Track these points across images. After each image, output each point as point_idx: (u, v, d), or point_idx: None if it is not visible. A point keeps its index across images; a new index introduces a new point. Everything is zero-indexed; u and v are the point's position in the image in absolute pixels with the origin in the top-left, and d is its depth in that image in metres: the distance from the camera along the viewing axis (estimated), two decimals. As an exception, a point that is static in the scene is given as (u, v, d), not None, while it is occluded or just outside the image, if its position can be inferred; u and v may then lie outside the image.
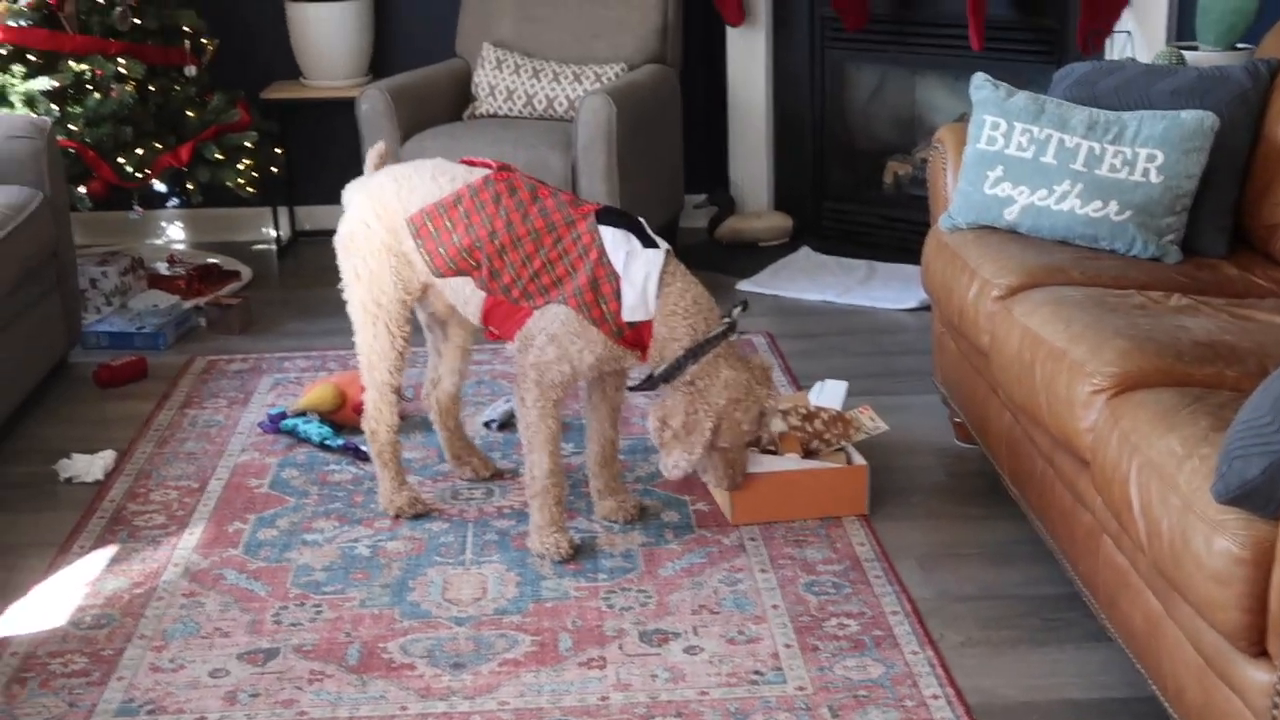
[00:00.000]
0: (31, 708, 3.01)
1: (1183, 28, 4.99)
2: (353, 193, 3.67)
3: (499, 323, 3.51)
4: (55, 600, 3.44)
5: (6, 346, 4.28)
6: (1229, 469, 2.32)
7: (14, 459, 4.24)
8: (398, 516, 3.77)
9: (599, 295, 3.36)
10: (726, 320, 3.44)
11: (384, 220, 3.55)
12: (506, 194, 3.47)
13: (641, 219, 3.50)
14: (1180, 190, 3.64)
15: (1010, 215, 3.77)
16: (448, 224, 3.48)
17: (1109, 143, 3.67)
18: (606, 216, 3.44)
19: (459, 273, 3.50)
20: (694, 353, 3.38)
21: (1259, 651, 2.34)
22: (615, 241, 3.38)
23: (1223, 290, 3.49)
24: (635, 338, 3.40)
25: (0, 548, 3.68)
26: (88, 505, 3.91)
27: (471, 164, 3.60)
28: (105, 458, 4.13)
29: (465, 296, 3.54)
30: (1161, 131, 3.63)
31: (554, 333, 3.40)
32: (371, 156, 3.77)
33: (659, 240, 3.44)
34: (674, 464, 3.41)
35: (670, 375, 3.41)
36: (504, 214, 3.44)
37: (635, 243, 3.39)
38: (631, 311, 3.37)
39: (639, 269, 3.36)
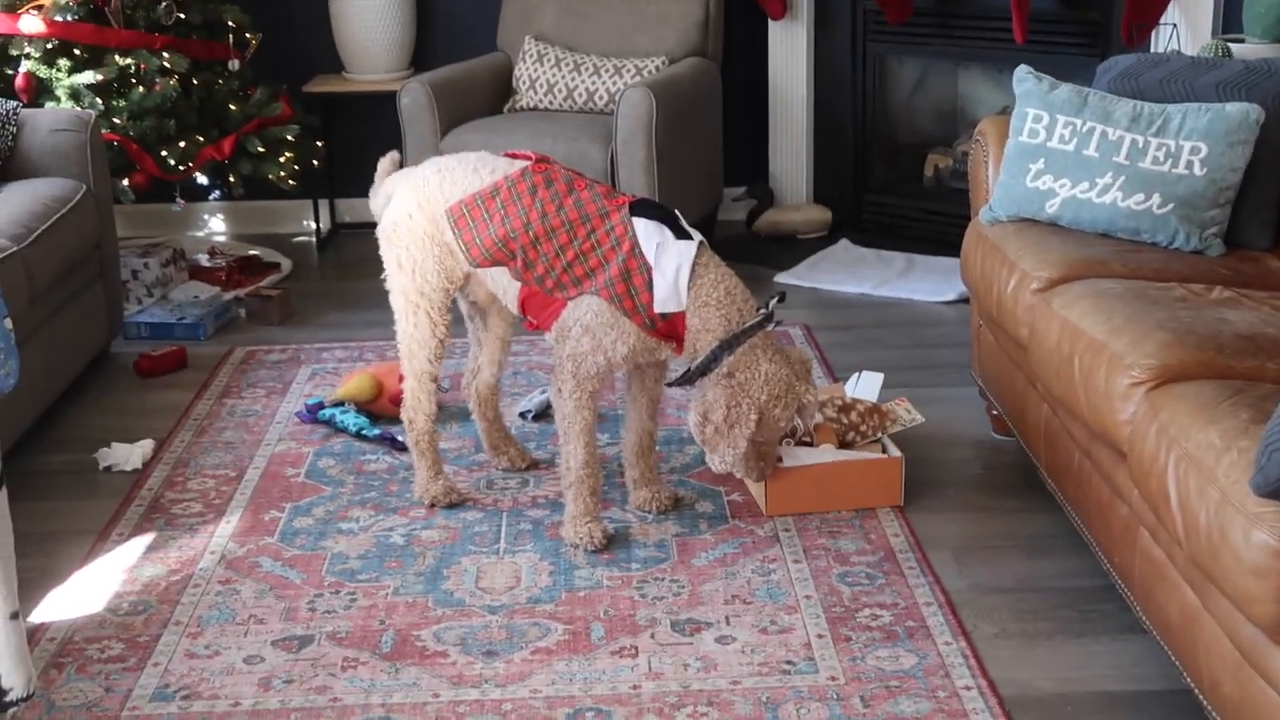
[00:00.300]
0: (68, 692, 3.03)
1: (1229, 20, 4.95)
2: (396, 183, 3.68)
3: (535, 312, 3.52)
4: (93, 586, 3.46)
5: (50, 337, 4.32)
6: (1268, 461, 2.29)
7: (55, 447, 4.28)
8: (433, 505, 3.78)
9: (631, 286, 3.36)
10: (763, 312, 3.42)
11: (426, 211, 3.57)
12: (543, 186, 3.48)
13: (676, 211, 3.49)
14: (1224, 183, 3.61)
15: (1051, 208, 3.75)
16: (485, 215, 3.49)
17: (1152, 135, 3.64)
18: (640, 208, 3.44)
19: (495, 263, 3.51)
20: (728, 345, 3.37)
21: (1296, 644, 2.31)
22: (648, 233, 3.38)
23: (1265, 283, 3.46)
24: (669, 329, 3.40)
25: (40, 535, 3.71)
26: (126, 493, 3.94)
27: (514, 157, 3.61)
28: (144, 447, 4.16)
29: (504, 286, 3.56)
30: (1206, 124, 3.60)
31: (588, 324, 3.40)
32: (383, 165, 3.80)
33: (693, 232, 3.43)
34: (720, 459, 3.40)
35: (706, 368, 3.40)
36: (539, 205, 3.45)
37: (668, 234, 3.38)
38: (664, 303, 3.37)
39: (671, 260, 3.36)
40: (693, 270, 3.37)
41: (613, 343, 3.41)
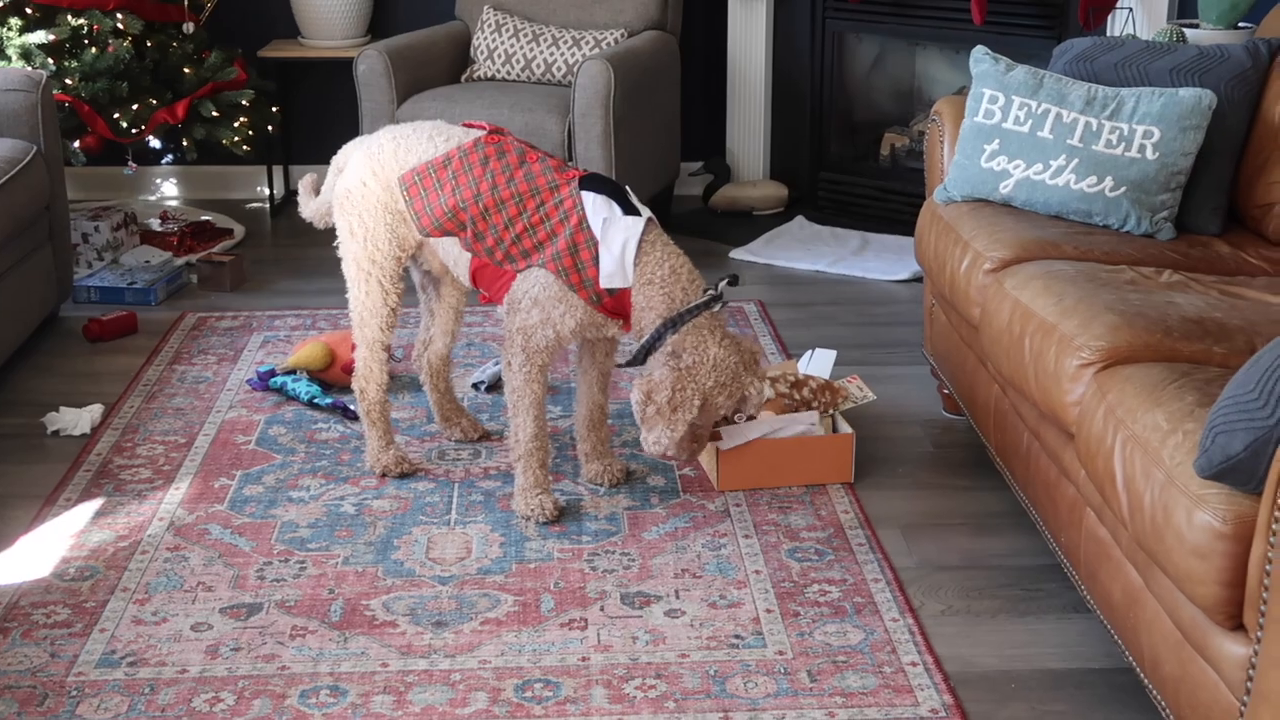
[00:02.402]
0: (13, 657, 3.02)
1: (1185, 5, 4.99)
2: (350, 150, 3.68)
3: (487, 285, 3.52)
4: (40, 551, 3.45)
5: (-3, 298, 4.29)
6: (1213, 444, 2.33)
7: (3, 411, 4.25)
8: (384, 475, 3.78)
9: (578, 261, 3.37)
10: (709, 292, 3.39)
11: (380, 178, 3.57)
12: (495, 157, 3.48)
13: (626, 187, 3.49)
14: (1176, 168, 3.64)
15: (1005, 189, 3.77)
16: (436, 184, 3.49)
17: (1106, 118, 3.67)
18: (589, 182, 3.43)
19: (445, 233, 3.51)
20: (672, 323, 3.34)
21: (1236, 625, 2.35)
22: (596, 207, 3.38)
23: (1214, 268, 3.50)
24: (616, 305, 3.40)
25: (-14, 498, 3.69)
26: (74, 458, 3.92)
27: (470, 127, 3.61)
28: (93, 412, 4.14)
29: (455, 257, 3.55)
30: (1159, 109, 3.63)
31: (536, 296, 3.41)
32: (303, 186, 3.87)
33: (642, 208, 3.42)
34: (655, 440, 3.36)
35: (651, 347, 3.38)
36: (490, 177, 3.45)
37: (616, 209, 3.38)
38: (609, 278, 3.36)
39: (617, 236, 3.35)
40: (639, 247, 3.36)
41: (560, 316, 3.41)
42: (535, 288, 3.42)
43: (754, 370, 3.41)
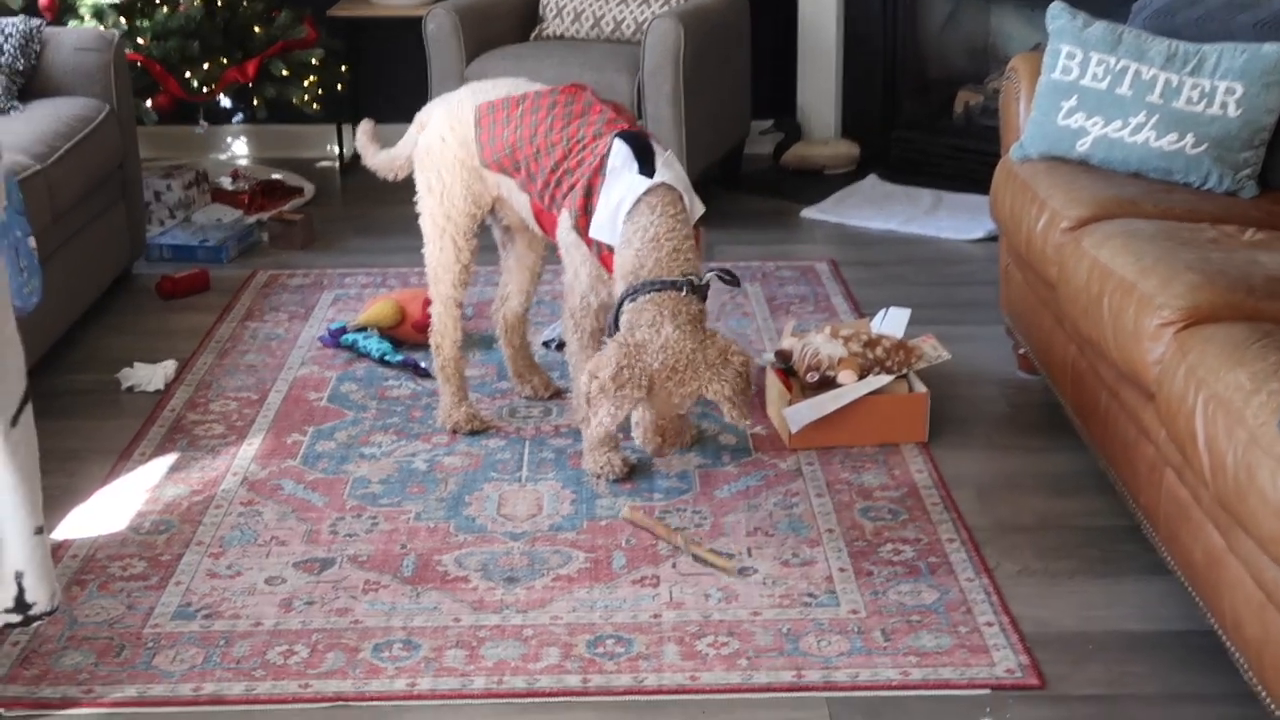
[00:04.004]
0: (91, 609, 3.06)
1: (1268, -41, 4.89)
2: (433, 107, 3.72)
3: (547, 229, 3.54)
4: (115, 505, 3.49)
5: (72, 257, 4.33)
6: (1297, 401, 2.30)
7: (78, 368, 4.30)
8: (455, 432, 3.80)
9: (588, 204, 3.34)
10: (690, 277, 3.21)
11: (458, 133, 3.59)
12: (562, 104, 3.49)
13: (657, 147, 3.35)
14: (1259, 124, 3.58)
15: (1083, 147, 3.73)
16: (505, 118, 3.51)
17: (1187, 75, 3.62)
18: (625, 134, 3.36)
19: (502, 170, 3.53)
20: (630, 293, 3.20)
21: (1321, 586, 2.32)
22: (615, 156, 3.32)
23: (1298, 225, 3.44)
24: (608, 262, 3.35)
25: (63, 453, 3.73)
26: (149, 414, 3.96)
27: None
28: (167, 368, 4.18)
29: (519, 201, 3.56)
30: (1242, 64, 3.57)
31: (567, 243, 3.42)
32: (362, 133, 3.89)
33: (662, 171, 3.29)
34: (598, 421, 3.20)
35: (615, 318, 3.26)
36: (550, 120, 3.45)
37: (631, 164, 3.29)
38: (597, 229, 3.32)
39: (618, 190, 3.29)
40: (635, 206, 3.26)
41: (578, 269, 3.41)
42: (563, 231, 3.43)
43: (722, 373, 3.18)
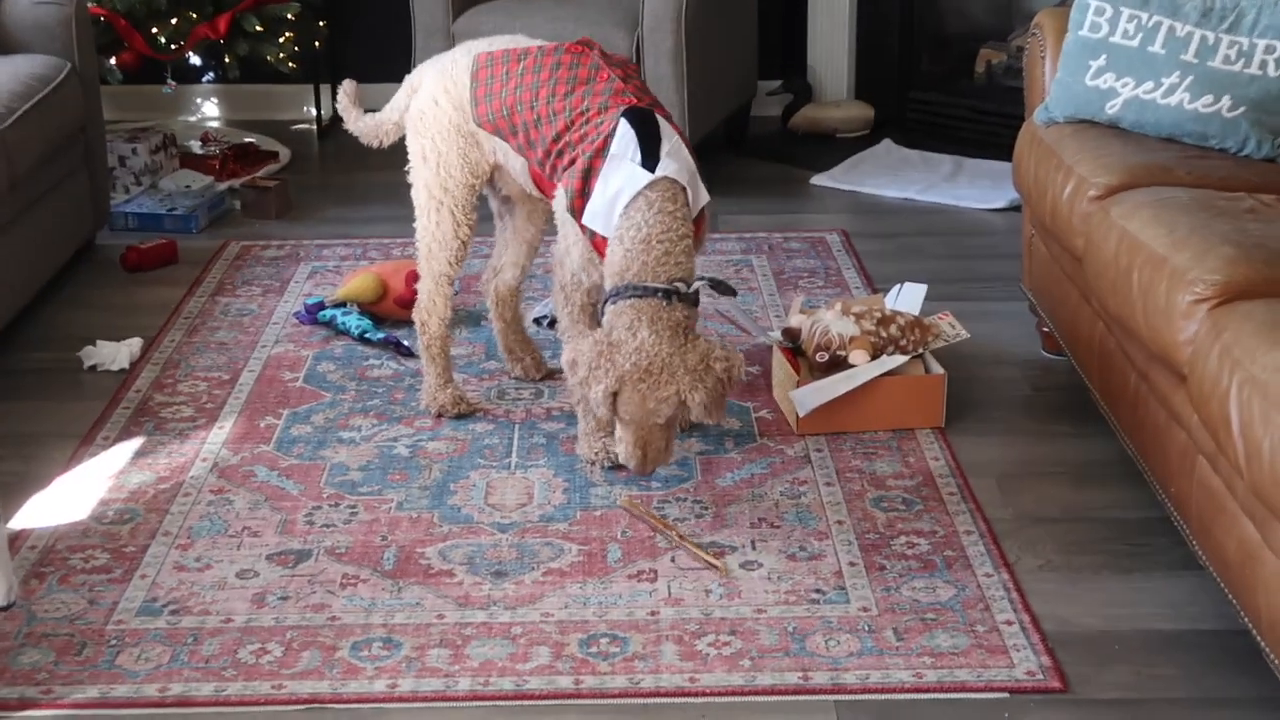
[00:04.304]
0: (50, 604, 3.06)
1: (1312, -93, 4.88)
2: (425, 68, 3.71)
3: (548, 193, 3.53)
4: (77, 493, 3.49)
5: (31, 227, 4.33)
6: (1339, 386, 2.29)
7: (37, 345, 4.30)
8: (439, 415, 3.80)
9: (586, 186, 3.33)
10: (677, 284, 3.21)
11: (452, 96, 3.58)
12: (567, 65, 3.47)
13: (665, 129, 3.33)
14: (1301, 85, 3.58)
15: (1112, 109, 3.73)
16: (504, 74, 3.50)
17: (1224, 32, 3.61)
18: (632, 114, 3.33)
19: (496, 131, 3.52)
20: (612, 295, 3.24)
21: (1362, 583, 2.32)
22: (619, 141, 3.30)
23: (1342, 195, 3.44)
24: (600, 249, 3.35)
25: (21, 437, 3.74)
26: (113, 395, 3.96)
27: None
28: (132, 346, 4.18)
29: (516, 165, 3.56)
30: (1283, 20, 3.57)
31: (562, 218, 3.43)
32: (344, 94, 3.89)
33: (666, 163, 3.27)
34: (585, 414, 3.30)
35: (600, 319, 3.30)
36: (552, 84, 3.43)
37: (635, 153, 3.27)
38: (591, 217, 3.31)
39: (616, 179, 3.27)
40: (634, 200, 3.25)
41: (570, 248, 3.41)
42: (558, 206, 3.43)
43: (703, 379, 3.18)
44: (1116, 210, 3.33)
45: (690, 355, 3.19)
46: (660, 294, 3.20)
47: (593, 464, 3.56)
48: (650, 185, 3.25)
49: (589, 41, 3.56)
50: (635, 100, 3.38)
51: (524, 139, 3.48)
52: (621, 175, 3.27)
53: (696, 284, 3.28)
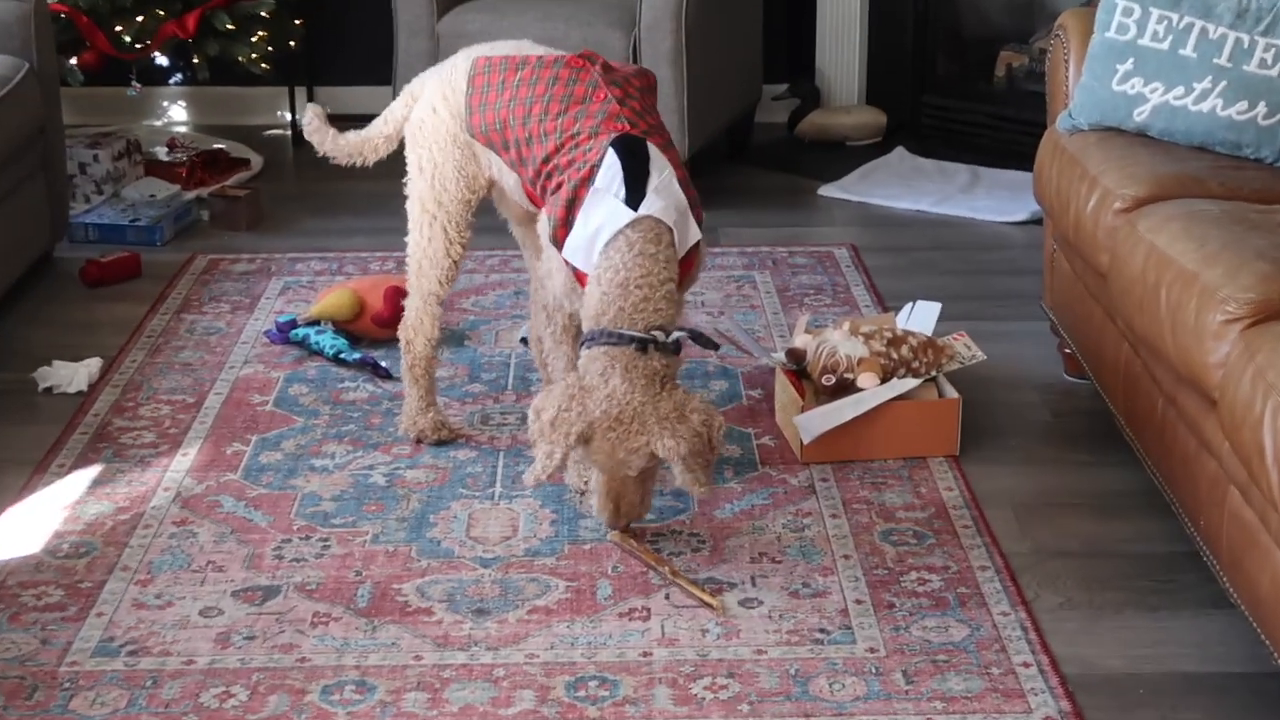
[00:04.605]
0: (0, 644, 3.06)
1: (1353, -99, 4.89)
2: (426, 77, 3.72)
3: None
4: (30, 524, 3.49)
5: (-18, 236, 4.34)
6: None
7: (-11, 365, 4.31)
8: (419, 441, 3.80)
9: (570, 215, 3.31)
10: (655, 334, 3.20)
11: (451, 104, 3.59)
12: (565, 82, 3.44)
13: (655, 161, 3.29)
14: (1341, 92, 3.59)
15: (1140, 116, 3.74)
16: (500, 84, 3.49)
17: (1260, 34, 3.63)
18: (620, 143, 3.30)
19: (489, 144, 3.52)
20: (587, 339, 3.24)
21: (1404, 624, 2.32)
22: (604, 173, 3.27)
23: (1385, 209, 3.45)
24: (583, 282, 3.33)
25: (-30, 463, 3.74)
26: (69, 419, 3.96)
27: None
28: (90, 366, 4.18)
29: (510, 181, 3.56)
30: (1322, 22, 3.59)
31: (545, 242, 3.42)
32: (311, 115, 3.87)
33: (651, 200, 3.24)
34: (534, 468, 3.20)
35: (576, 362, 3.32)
36: (545, 101, 3.42)
37: (619, 187, 3.25)
38: (572, 252, 3.30)
39: (598, 215, 3.25)
40: (614, 239, 3.23)
41: (553, 275, 3.41)
42: (542, 231, 3.43)
43: (676, 428, 3.15)
44: (1144, 224, 3.34)
45: (664, 404, 3.17)
46: (635, 343, 3.19)
47: (582, 494, 3.55)
48: (632, 224, 3.23)
49: (592, 55, 3.53)
50: (628, 126, 3.35)
51: (515, 155, 3.48)
52: (603, 211, 3.26)
53: (676, 334, 3.26)
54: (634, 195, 3.25)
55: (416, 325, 3.75)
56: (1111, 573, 3.30)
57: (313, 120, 3.89)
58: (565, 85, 3.44)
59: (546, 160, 3.39)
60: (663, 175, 3.30)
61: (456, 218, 3.65)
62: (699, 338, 3.37)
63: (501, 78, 3.50)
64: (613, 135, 3.33)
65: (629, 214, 3.24)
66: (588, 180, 3.29)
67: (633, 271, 3.21)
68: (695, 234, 3.37)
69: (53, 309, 4.69)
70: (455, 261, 3.69)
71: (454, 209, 3.64)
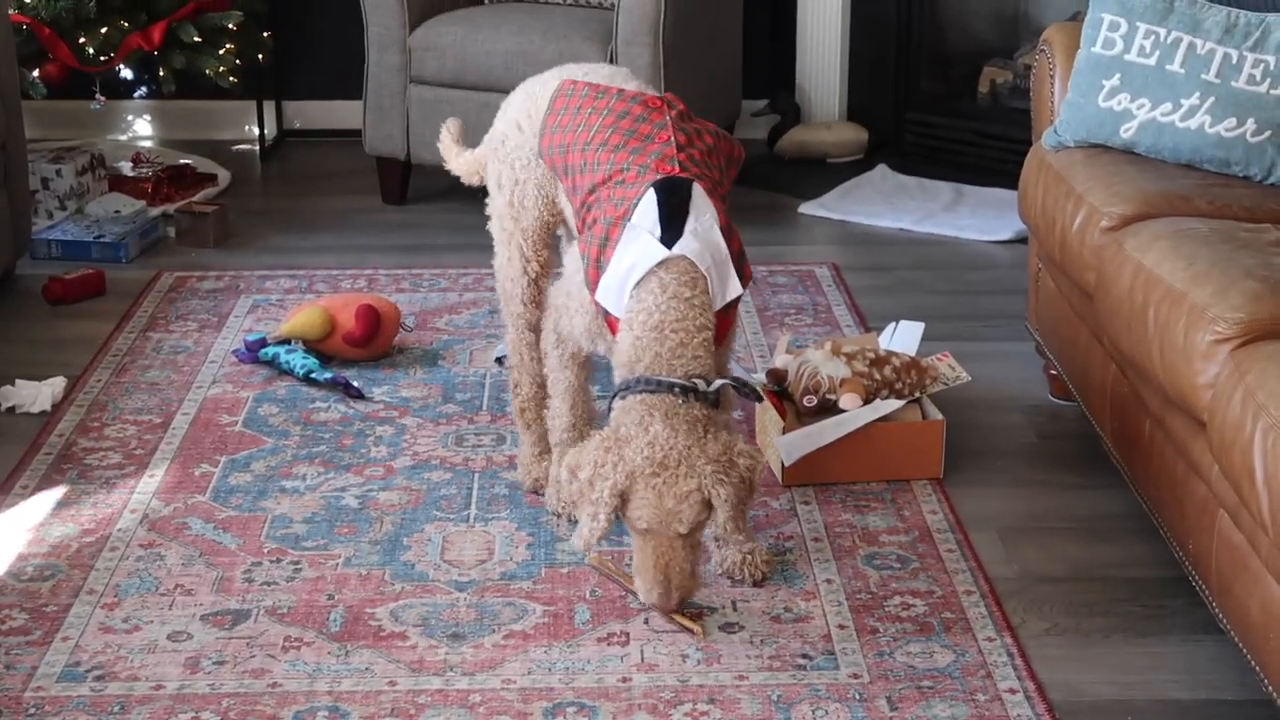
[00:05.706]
0: (-39, 668, 3.07)
1: (1342, -84, 4.94)
2: (517, 90, 3.68)
3: None
4: (-8, 547, 3.49)
5: (-57, 252, 4.33)
6: (1369, 433, 2.32)
7: (-51, 383, 4.30)
8: (535, 492, 3.68)
9: (602, 255, 3.22)
10: (695, 381, 3.07)
11: (534, 121, 3.53)
12: (634, 116, 3.35)
13: (699, 203, 3.18)
14: (1330, 109, 3.62)
15: (1127, 132, 3.76)
16: (575, 107, 3.41)
17: (1249, 49, 3.65)
18: (663, 184, 3.20)
19: (552, 167, 3.44)
20: (621, 389, 3.11)
21: (1395, 648, 2.34)
22: (641, 210, 3.19)
23: (1375, 228, 3.48)
24: (614, 328, 3.25)
25: (-70, 485, 3.74)
26: (33, 440, 3.96)
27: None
28: (54, 385, 4.18)
29: (569, 212, 3.49)
30: (1311, 38, 3.62)
31: (569, 271, 3.39)
32: (446, 131, 3.88)
33: (687, 241, 3.14)
34: (579, 533, 3.08)
35: (608, 412, 3.18)
36: (608, 132, 3.32)
37: (655, 224, 3.15)
38: (604, 292, 3.21)
39: (631, 253, 3.15)
40: (644, 279, 3.13)
41: (573, 314, 3.34)
42: (570, 265, 3.41)
43: (728, 474, 3.03)
44: (1131, 242, 3.36)
45: (711, 446, 3.05)
46: (677, 389, 3.06)
47: (559, 516, 3.56)
48: (664, 264, 3.12)
49: (673, 100, 3.42)
50: (678, 169, 3.23)
51: (571, 183, 3.40)
52: (636, 248, 3.15)
53: (719, 383, 3.14)
54: (670, 233, 3.14)
55: (519, 363, 3.66)
56: (1099, 598, 3.32)
57: (446, 136, 3.89)
58: (633, 121, 3.34)
59: (591, 191, 3.30)
60: (704, 219, 3.18)
61: (534, 237, 3.55)
62: (742, 387, 3.24)
63: (579, 103, 3.41)
64: (657, 175, 3.23)
65: (662, 251, 3.12)
66: (623, 219, 3.18)
67: (668, 315, 3.10)
68: (736, 288, 3.24)
69: (15, 327, 4.69)
70: (533, 280, 3.59)
71: (530, 228, 3.55)
